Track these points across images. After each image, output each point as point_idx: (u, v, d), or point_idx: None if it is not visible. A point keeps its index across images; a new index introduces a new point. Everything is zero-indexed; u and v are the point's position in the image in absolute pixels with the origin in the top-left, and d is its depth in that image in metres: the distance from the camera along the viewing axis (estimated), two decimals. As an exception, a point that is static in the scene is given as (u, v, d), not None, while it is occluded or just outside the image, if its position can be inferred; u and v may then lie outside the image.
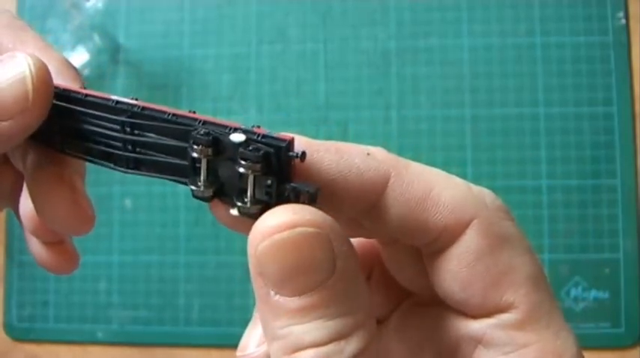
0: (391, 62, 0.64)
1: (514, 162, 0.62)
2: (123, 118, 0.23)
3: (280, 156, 0.21)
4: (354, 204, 0.23)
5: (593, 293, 0.60)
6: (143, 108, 0.23)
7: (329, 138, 0.24)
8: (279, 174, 0.21)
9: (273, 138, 0.21)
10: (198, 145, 0.21)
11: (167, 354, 0.64)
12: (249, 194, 0.21)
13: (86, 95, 0.24)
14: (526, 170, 0.62)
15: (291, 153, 0.21)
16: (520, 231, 0.23)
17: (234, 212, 0.22)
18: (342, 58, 0.65)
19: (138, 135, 0.23)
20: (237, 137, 0.21)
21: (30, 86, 0.23)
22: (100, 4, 0.67)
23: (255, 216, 0.21)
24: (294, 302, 0.20)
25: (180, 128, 0.22)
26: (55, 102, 0.24)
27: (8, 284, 0.66)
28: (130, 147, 0.24)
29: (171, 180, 0.23)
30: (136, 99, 0.23)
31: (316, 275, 0.20)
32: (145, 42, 0.67)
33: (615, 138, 0.61)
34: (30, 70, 0.23)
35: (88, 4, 0.67)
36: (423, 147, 0.63)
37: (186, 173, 0.22)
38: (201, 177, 0.22)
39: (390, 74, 0.64)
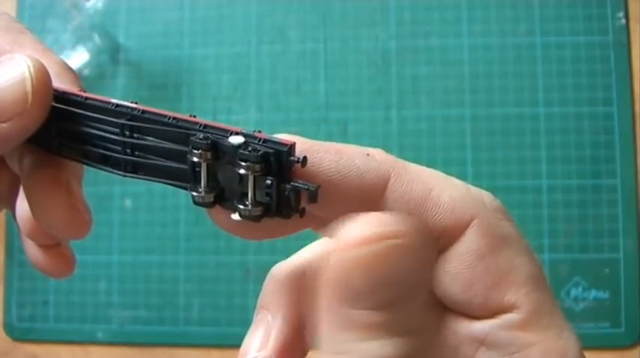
0: (391, 62, 0.64)
1: (514, 162, 0.62)
2: (123, 121, 0.23)
3: (281, 160, 0.21)
4: (354, 206, 0.23)
5: (593, 293, 0.60)
6: (143, 111, 0.23)
7: (329, 138, 0.24)
8: (279, 175, 0.21)
9: (274, 142, 0.21)
10: (197, 149, 0.21)
11: (167, 354, 0.64)
12: (249, 196, 0.21)
13: (86, 98, 0.24)
14: (526, 170, 0.62)
15: (292, 158, 0.21)
16: (519, 231, 0.23)
17: (235, 216, 0.22)
18: (342, 58, 0.65)
19: (137, 138, 0.23)
20: (236, 139, 0.21)
21: (29, 88, 0.23)
22: (100, 4, 0.67)
23: (256, 219, 0.21)
24: (368, 316, 0.19)
25: (181, 132, 0.22)
26: (53, 104, 0.24)
27: (8, 284, 0.66)
28: (128, 150, 0.24)
29: (169, 184, 0.23)
30: (136, 103, 0.23)
31: (393, 290, 0.19)
32: (145, 42, 0.67)
33: (615, 138, 0.61)
34: (29, 71, 0.23)
35: (88, 4, 0.67)
36: (423, 147, 0.63)
37: (185, 177, 0.22)
38: (202, 183, 0.22)
39: (390, 74, 0.64)
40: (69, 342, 0.65)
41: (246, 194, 0.21)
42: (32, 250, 0.31)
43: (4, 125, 0.23)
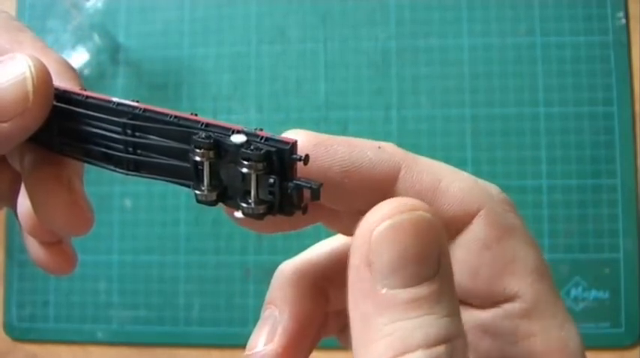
0: (391, 62, 0.64)
1: (514, 162, 0.62)
2: (124, 120, 0.23)
3: (284, 158, 0.21)
4: (366, 196, 0.23)
5: (593, 293, 0.60)
6: (145, 110, 0.23)
7: (329, 138, 0.24)
8: (281, 173, 0.21)
9: (276, 140, 0.21)
10: (200, 148, 0.21)
11: (167, 354, 0.64)
12: (252, 194, 0.21)
13: (87, 97, 0.24)
14: (526, 170, 0.62)
15: (294, 156, 0.21)
16: (524, 224, 0.24)
17: (238, 214, 0.22)
18: (342, 58, 0.65)
19: (139, 137, 0.23)
20: (238, 138, 0.21)
21: (30, 87, 0.23)
22: (100, 4, 0.67)
23: (259, 217, 0.21)
24: (405, 293, 0.19)
25: (182, 130, 0.22)
26: (54, 103, 0.24)
27: (8, 284, 0.66)
28: (130, 149, 0.24)
29: (172, 182, 0.23)
30: (137, 102, 0.23)
31: (430, 264, 0.19)
32: (144, 41, 0.67)
33: (615, 138, 0.61)
34: (30, 71, 0.23)
35: (88, 4, 0.67)
36: (423, 147, 0.63)
37: (187, 175, 0.22)
38: (205, 181, 0.22)
39: (390, 74, 0.64)
40: (69, 342, 0.65)
41: (249, 192, 0.21)
42: (34, 248, 0.31)
43: (5, 124, 0.23)
